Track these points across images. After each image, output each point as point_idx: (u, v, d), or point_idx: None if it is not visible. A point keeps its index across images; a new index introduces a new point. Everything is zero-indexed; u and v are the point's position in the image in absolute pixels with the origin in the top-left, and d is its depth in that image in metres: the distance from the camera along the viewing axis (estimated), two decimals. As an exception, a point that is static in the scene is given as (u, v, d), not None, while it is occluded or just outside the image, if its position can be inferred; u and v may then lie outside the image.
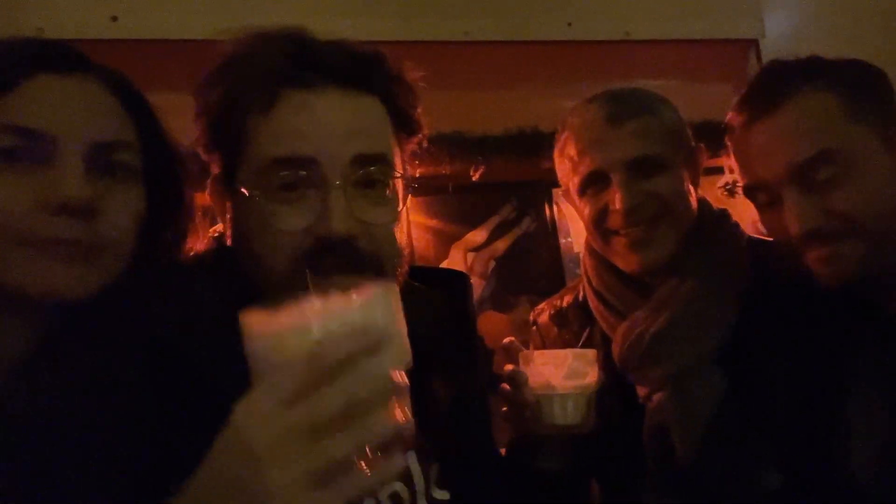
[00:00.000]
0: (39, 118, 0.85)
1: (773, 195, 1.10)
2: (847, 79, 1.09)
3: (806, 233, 1.06)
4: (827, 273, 1.08)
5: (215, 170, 0.95)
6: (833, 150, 1.04)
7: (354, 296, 0.62)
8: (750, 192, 1.16)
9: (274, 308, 0.61)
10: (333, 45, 0.92)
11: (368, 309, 0.62)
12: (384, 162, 0.91)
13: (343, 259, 0.86)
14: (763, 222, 1.18)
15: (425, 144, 1.03)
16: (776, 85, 1.11)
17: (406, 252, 0.96)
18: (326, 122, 0.88)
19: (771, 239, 1.21)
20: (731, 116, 1.16)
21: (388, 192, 0.91)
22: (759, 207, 1.17)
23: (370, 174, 0.89)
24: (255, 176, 0.88)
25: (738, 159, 1.17)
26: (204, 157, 0.96)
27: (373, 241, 0.88)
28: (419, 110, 0.98)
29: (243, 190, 0.89)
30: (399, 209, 0.93)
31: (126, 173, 0.92)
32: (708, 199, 1.35)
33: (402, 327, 0.66)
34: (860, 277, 1.06)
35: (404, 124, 0.97)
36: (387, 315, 0.64)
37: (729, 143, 1.19)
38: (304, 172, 0.86)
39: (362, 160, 0.88)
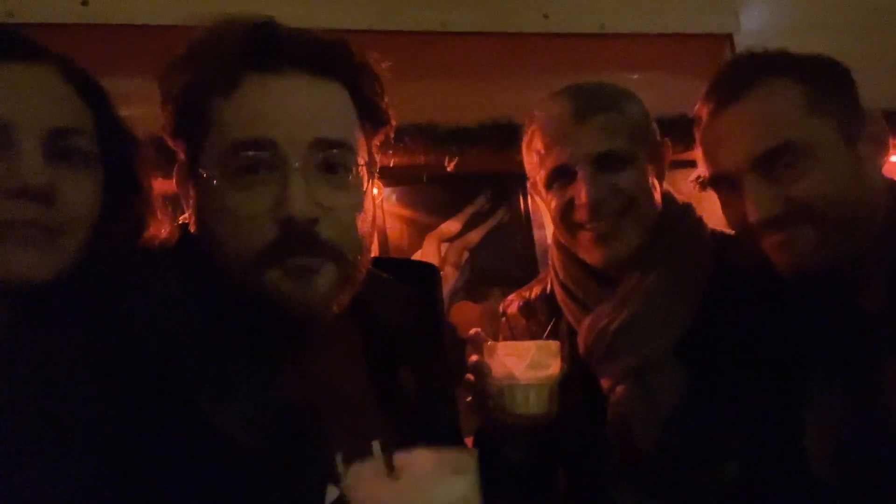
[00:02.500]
0: None
1: (735, 185, 1.11)
2: (811, 72, 1.10)
3: (764, 220, 1.07)
4: (784, 260, 1.09)
5: (181, 156, 0.95)
6: (794, 142, 1.05)
7: (447, 469, 0.70)
8: (714, 182, 1.17)
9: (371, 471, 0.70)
10: (297, 31, 0.91)
11: (461, 482, 0.70)
12: (345, 147, 0.90)
13: (303, 244, 0.85)
14: (725, 213, 1.19)
15: (392, 135, 1.02)
16: (741, 75, 1.12)
17: (369, 242, 0.95)
18: (287, 106, 0.87)
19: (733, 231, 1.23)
20: (698, 106, 1.17)
21: (350, 177, 0.91)
22: (721, 198, 1.18)
23: (331, 157, 0.88)
24: (217, 160, 0.87)
25: (703, 149, 1.18)
26: (170, 143, 0.95)
27: (333, 226, 0.87)
28: (386, 101, 0.98)
29: (204, 174, 0.88)
30: (362, 196, 0.93)
31: (83, 159, 0.92)
32: (677, 192, 1.36)
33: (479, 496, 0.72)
34: (818, 267, 1.07)
35: (369, 113, 0.96)
36: (474, 485, 0.71)
37: (696, 134, 1.20)
38: (264, 155, 0.85)
39: (323, 144, 0.87)
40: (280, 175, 0.85)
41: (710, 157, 1.16)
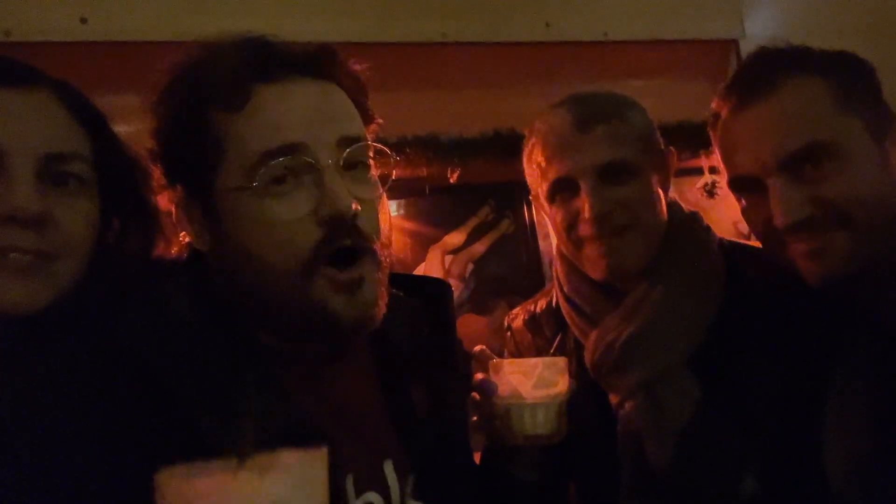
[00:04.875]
0: None
1: (759, 187, 1.07)
2: (836, 69, 1.06)
3: (792, 224, 1.03)
4: (814, 267, 1.05)
5: (181, 180, 0.93)
6: (821, 142, 1.02)
7: (278, 468, 0.60)
8: (734, 184, 1.13)
9: (194, 472, 0.59)
10: (289, 42, 0.92)
11: (292, 485, 0.60)
12: (364, 142, 0.92)
13: (350, 240, 0.86)
14: (746, 217, 1.15)
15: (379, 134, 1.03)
16: (765, 72, 1.08)
17: (390, 235, 0.97)
18: (307, 109, 0.88)
19: (748, 240, 1.19)
20: (716, 104, 1.13)
21: (369, 173, 0.93)
22: (742, 201, 1.14)
23: (352, 154, 0.89)
24: (243, 174, 0.86)
25: (722, 149, 1.14)
26: (164, 169, 0.94)
27: (368, 219, 0.89)
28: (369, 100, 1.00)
29: (230, 190, 0.87)
30: (380, 189, 0.95)
31: (78, 184, 0.92)
32: (683, 200, 1.34)
33: (324, 498, 0.64)
34: (848, 272, 1.03)
35: (362, 113, 0.97)
36: (309, 488, 0.62)
37: (712, 133, 1.16)
38: (295, 160, 0.86)
39: (346, 141, 0.89)
40: (313, 177, 0.86)
41: (729, 159, 1.12)
